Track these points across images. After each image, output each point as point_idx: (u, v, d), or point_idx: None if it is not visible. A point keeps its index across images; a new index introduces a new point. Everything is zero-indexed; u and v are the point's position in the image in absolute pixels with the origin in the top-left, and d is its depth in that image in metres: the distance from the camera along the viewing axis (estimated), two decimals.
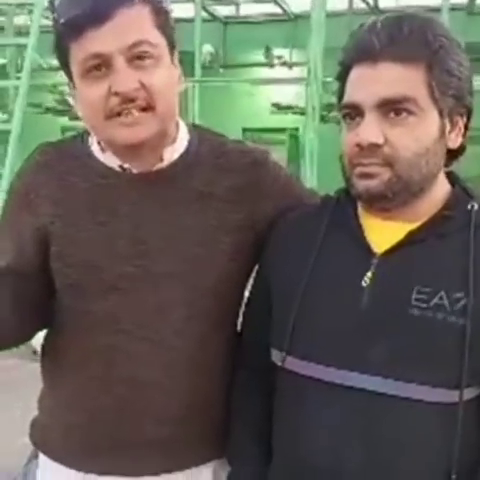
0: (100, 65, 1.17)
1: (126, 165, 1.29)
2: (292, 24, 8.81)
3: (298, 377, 1.20)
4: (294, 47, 8.64)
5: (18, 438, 1.89)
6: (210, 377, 1.35)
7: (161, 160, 1.30)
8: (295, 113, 8.38)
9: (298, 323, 1.20)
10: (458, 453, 1.11)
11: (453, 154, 1.20)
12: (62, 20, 1.18)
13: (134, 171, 1.30)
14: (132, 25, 1.17)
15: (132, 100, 1.18)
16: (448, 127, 1.15)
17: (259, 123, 8.86)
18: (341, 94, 1.17)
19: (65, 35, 1.18)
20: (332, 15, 6.49)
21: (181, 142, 1.33)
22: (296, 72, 8.55)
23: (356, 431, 1.13)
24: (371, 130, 1.11)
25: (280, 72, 8.94)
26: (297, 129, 8.48)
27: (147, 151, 1.26)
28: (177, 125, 1.33)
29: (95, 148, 1.33)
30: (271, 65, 9.02)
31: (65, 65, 1.23)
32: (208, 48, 8.51)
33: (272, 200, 1.35)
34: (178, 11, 7.58)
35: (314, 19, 5.52)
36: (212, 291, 1.32)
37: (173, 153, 1.31)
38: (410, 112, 1.10)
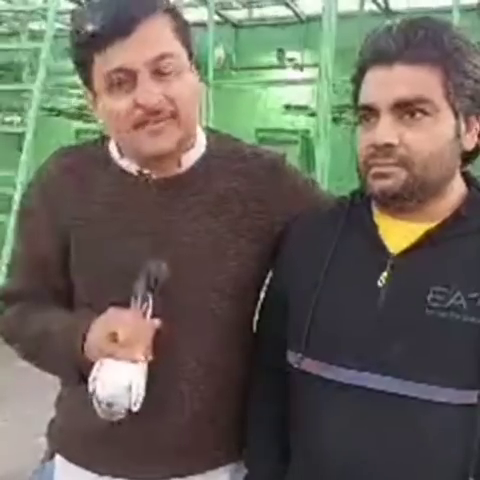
0: (125, 78, 1.18)
1: (146, 171, 1.31)
2: (304, 26, 8.79)
3: (315, 378, 1.20)
4: (306, 49, 8.64)
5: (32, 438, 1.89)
6: (225, 381, 1.36)
7: (179, 166, 1.32)
8: (307, 114, 8.39)
9: (314, 324, 1.21)
10: (477, 455, 1.11)
11: (469, 155, 1.20)
12: (86, 32, 1.18)
13: (153, 176, 1.31)
14: (155, 38, 1.18)
15: (156, 112, 1.19)
16: (463, 128, 1.15)
17: (271, 124, 8.87)
18: (356, 96, 1.19)
19: (88, 47, 1.19)
20: (343, 17, 6.48)
21: (199, 148, 1.35)
22: (308, 73, 8.55)
23: (375, 432, 1.14)
24: (386, 130, 1.12)
25: (292, 74, 8.94)
26: (308, 130, 8.48)
27: (168, 158, 1.28)
28: (195, 131, 1.33)
29: (114, 153, 1.35)
30: (283, 67, 9.02)
31: (86, 75, 1.24)
32: (221, 51, 8.53)
33: (289, 204, 1.36)
34: (191, 15, 7.64)
35: (325, 21, 5.55)
36: (229, 293, 1.33)
37: (191, 159, 1.33)
38: (425, 113, 1.11)
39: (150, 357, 1.17)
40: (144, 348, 1.16)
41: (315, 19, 7.31)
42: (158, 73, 1.19)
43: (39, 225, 1.36)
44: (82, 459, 1.38)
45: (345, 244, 1.23)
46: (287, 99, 8.85)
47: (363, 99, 1.16)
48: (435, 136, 1.12)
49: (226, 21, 9.04)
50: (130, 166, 1.33)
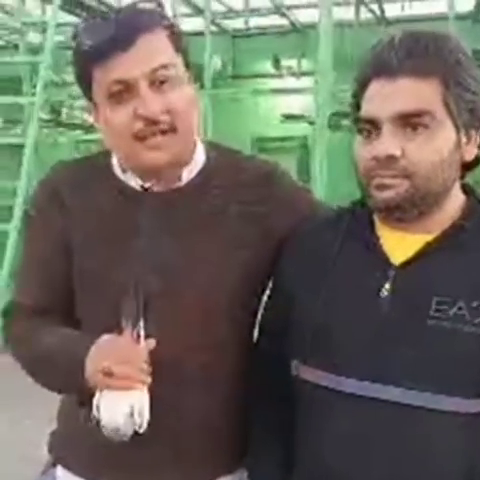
0: (124, 90, 1.20)
1: (147, 184, 1.32)
2: (300, 35, 8.85)
3: (317, 387, 1.20)
4: (302, 57, 8.70)
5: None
6: (227, 390, 1.36)
7: (180, 179, 1.33)
8: (304, 122, 8.43)
9: (316, 334, 1.20)
10: None
11: (468, 166, 1.20)
12: (86, 46, 1.21)
13: (154, 190, 1.33)
14: (154, 50, 1.21)
15: (156, 123, 1.21)
16: (464, 140, 1.15)
17: (269, 132, 8.90)
18: (356, 108, 1.19)
19: (89, 60, 1.22)
20: (339, 25, 6.55)
21: (198, 161, 1.35)
22: (304, 82, 8.60)
23: (379, 441, 1.13)
24: (389, 143, 1.11)
25: (289, 82, 8.98)
26: (306, 138, 8.52)
27: (167, 171, 1.29)
28: (194, 143, 1.34)
29: (116, 167, 1.36)
30: (280, 76, 9.07)
31: (87, 87, 1.26)
32: (218, 60, 8.58)
33: (287, 214, 1.37)
34: (188, 25, 7.71)
35: (321, 30, 5.60)
36: (228, 306, 1.33)
37: (191, 172, 1.34)
38: (427, 125, 1.11)
39: (149, 380, 1.16)
40: (141, 374, 1.15)
41: (311, 28, 7.36)
42: (156, 84, 1.21)
43: (43, 237, 1.38)
44: (86, 471, 1.39)
45: (346, 255, 1.23)
46: (284, 107, 8.88)
47: (365, 112, 1.16)
48: (436, 148, 1.12)
49: (223, 31, 9.09)
50: (131, 180, 1.34)
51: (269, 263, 1.35)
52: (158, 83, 1.21)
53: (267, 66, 9.08)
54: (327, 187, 5.65)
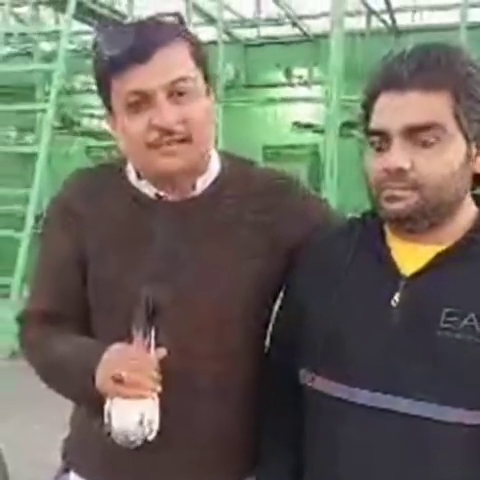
0: (141, 100, 1.23)
1: (162, 193, 1.34)
2: (312, 44, 8.87)
3: (328, 397, 1.20)
4: (314, 66, 8.71)
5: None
6: (239, 399, 1.37)
7: (194, 188, 1.34)
8: (315, 131, 8.44)
9: (327, 344, 1.21)
10: None
11: (479, 177, 1.20)
12: (105, 57, 1.23)
13: (169, 199, 1.34)
14: (172, 63, 1.23)
15: (171, 133, 1.23)
16: (474, 152, 1.15)
17: (279, 141, 8.91)
18: (366, 121, 1.19)
19: (107, 71, 1.24)
20: (350, 35, 6.56)
21: (213, 171, 1.37)
22: (316, 91, 8.62)
23: (389, 452, 1.14)
24: (398, 156, 1.12)
25: (300, 91, 9.00)
26: (317, 146, 8.52)
27: (182, 180, 1.31)
28: (209, 153, 1.36)
29: (132, 176, 1.38)
30: (291, 84, 9.09)
31: (106, 96, 1.29)
32: (230, 69, 8.61)
33: (301, 225, 1.37)
34: (201, 34, 7.74)
35: (332, 39, 5.62)
36: (241, 315, 1.34)
37: (205, 181, 1.35)
38: (437, 138, 1.11)
39: (159, 388, 1.17)
40: (151, 382, 1.16)
41: (323, 37, 7.39)
42: (174, 96, 1.24)
43: (58, 246, 1.39)
44: (99, 477, 1.40)
45: (358, 265, 1.24)
46: (295, 116, 8.90)
47: (375, 124, 1.17)
48: (446, 160, 1.12)
49: (235, 40, 9.13)
50: (146, 188, 1.36)
51: (281, 272, 1.36)
52: (176, 95, 1.23)
53: (278, 75, 9.10)
54: (338, 196, 5.65)
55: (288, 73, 9.03)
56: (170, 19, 1.28)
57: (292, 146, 8.87)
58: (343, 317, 1.21)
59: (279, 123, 8.97)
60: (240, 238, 1.34)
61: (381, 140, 1.15)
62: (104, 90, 1.28)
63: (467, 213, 1.20)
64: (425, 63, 1.12)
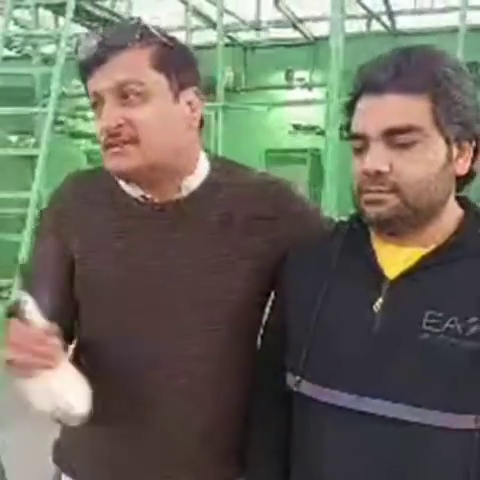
0: (99, 102, 1.29)
1: (148, 195, 1.36)
2: (312, 47, 8.89)
3: (313, 401, 1.21)
4: (314, 69, 8.72)
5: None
6: (229, 401, 1.39)
7: (179, 190, 1.36)
8: (316, 134, 8.44)
9: (312, 348, 1.22)
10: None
11: (464, 179, 1.20)
12: (78, 60, 1.31)
13: (156, 200, 1.36)
14: (123, 66, 1.27)
15: (117, 134, 1.27)
16: (456, 153, 1.15)
17: (280, 144, 8.92)
18: (350, 125, 1.20)
19: (81, 72, 1.32)
20: (351, 37, 6.56)
21: (201, 173, 1.38)
22: (316, 93, 8.62)
23: (374, 456, 1.14)
24: (377, 158, 1.13)
25: (301, 94, 9.01)
26: (318, 149, 8.53)
27: (164, 181, 1.34)
28: (197, 157, 1.38)
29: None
30: (292, 87, 9.10)
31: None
32: (230, 72, 8.62)
33: (293, 230, 1.39)
34: (201, 38, 7.76)
35: (332, 42, 5.62)
36: (230, 317, 1.36)
37: (191, 183, 1.37)
38: (416, 141, 1.12)
39: (51, 362, 1.15)
40: (37, 358, 1.14)
41: (323, 40, 7.38)
42: (121, 98, 1.27)
43: (50, 247, 1.43)
44: (90, 477, 1.42)
45: (343, 269, 1.24)
46: (296, 118, 8.91)
47: (355, 128, 1.18)
48: (426, 162, 1.13)
49: (236, 43, 9.13)
50: (134, 191, 1.38)
51: (272, 276, 1.37)
52: (123, 97, 1.27)
53: (279, 78, 9.11)
54: (338, 198, 5.64)
55: (289, 75, 9.03)
56: (133, 25, 1.31)
57: (293, 149, 8.88)
58: (327, 321, 1.22)
59: (280, 126, 8.97)
60: (230, 240, 1.36)
61: (361, 143, 1.16)
62: (86, 90, 1.34)
63: (451, 215, 1.20)
64: (403, 67, 1.13)
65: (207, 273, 1.34)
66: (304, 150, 8.76)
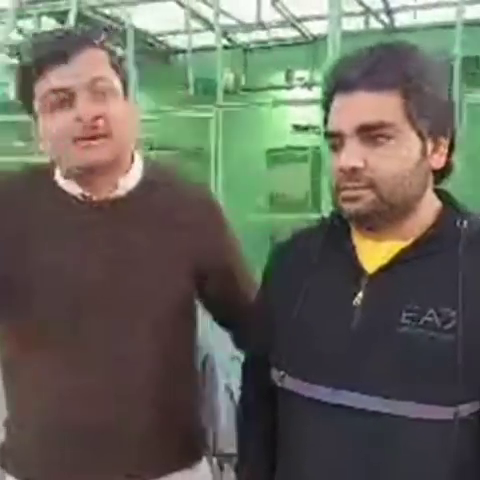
0: (65, 98, 1.32)
1: (87, 193, 1.40)
2: (311, 46, 8.90)
3: (296, 396, 1.24)
4: (314, 68, 8.73)
5: None
6: (176, 392, 1.44)
7: (116, 187, 1.41)
8: (316, 132, 8.45)
9: (293, 343, 1.25)
10: (454, 472, 1.13)
11: (442, 173, 1.24)
12: (28, 61, 1.33)
13: (94, 198, 1.40)
14: (91, 64, 1.33)
15: (93, 128, 1.32)
16: (430, 148, 1.18)
17: (281, 143, 8.92)
18: (325, 123, 1.23)
19: (31, 74, 1.33)
20: (348, 35, 6.58)
21: (136, 173, 1.44)
22: (316, 92, 8.62)
23: (353, 451, 1.16)
24: (351, 155, 1.15)
25: (301, 93, 9.02)
26: (319, 148, 8.54)
27: (102, 178, 1.38)
28: (132, 156, 1.44)
29: (59, 177, 1.44)
30: (292, 87, 9.11)
31: (28, 102, 1.38)
32: (230, 74, 8.63)
33: (211, 236, 1.47)
34: (200, 40, 7.79)
35: (330, 40, 5.65)
36: (171, 314, 1.42)
37: (128, 182, 1.42)
38: (389, 137, 1.14)
39: None
40: None
41: (322, 38, 7.40)
42: (95, 94, 1.33)
43: None
44: (36, 475, 1.45)
45: (324, 264, 1.26)
46: (296, 118, 8.91)
47: (330, 126, 1.20)
48: (400, 158, 1.14)
49: (234, 44, 9.15)
50: (73, 189, 1.42)
51: (195, 273, 1.44)
52: (97, 93, 1.33)
53: (279, 78, 9.12)
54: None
55: (288, 75, 9.04)
56: (82, 28, 1.40)
57: (294, 148, 8.87)
58: (308, 317, 1.24)
59: (280, 125, 8.97)
60: (168, 238, 1.41)
61: (337, 141, 1.18)
62: (27, 95, 1.36)
63: (428, 208, 1.22)
64: (373, 64, 1.15)
65: (146, 271, 1.38)
66: (305, 148, 8.74)
